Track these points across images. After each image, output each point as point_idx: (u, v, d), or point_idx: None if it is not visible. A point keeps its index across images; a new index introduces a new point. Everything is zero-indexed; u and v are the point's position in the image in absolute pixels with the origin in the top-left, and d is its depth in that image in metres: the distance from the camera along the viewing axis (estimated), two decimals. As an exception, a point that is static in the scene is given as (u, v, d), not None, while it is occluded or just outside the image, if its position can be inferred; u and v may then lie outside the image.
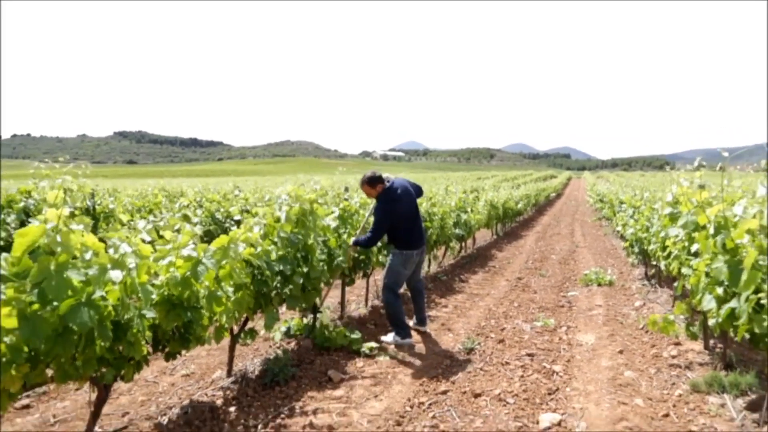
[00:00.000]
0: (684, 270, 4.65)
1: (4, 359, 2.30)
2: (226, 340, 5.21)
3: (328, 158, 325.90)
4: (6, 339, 2.31)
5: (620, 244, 12.91)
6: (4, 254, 2.37)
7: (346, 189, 6.32)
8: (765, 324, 2.79)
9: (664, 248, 5.85)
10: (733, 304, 3.20)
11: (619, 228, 11.66)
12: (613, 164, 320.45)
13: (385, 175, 5.50)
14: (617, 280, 9.00)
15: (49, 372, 2.68)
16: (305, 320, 5.55)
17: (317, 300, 5.17)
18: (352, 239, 5.54)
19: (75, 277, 2.50)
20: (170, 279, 3.15)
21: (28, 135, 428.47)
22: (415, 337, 5.65)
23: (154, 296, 3.09)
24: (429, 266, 9.63)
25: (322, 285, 5.11)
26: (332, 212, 5.85)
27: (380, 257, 6.68)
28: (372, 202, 5.76)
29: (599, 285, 8.68)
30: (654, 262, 7.28)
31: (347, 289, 6.55)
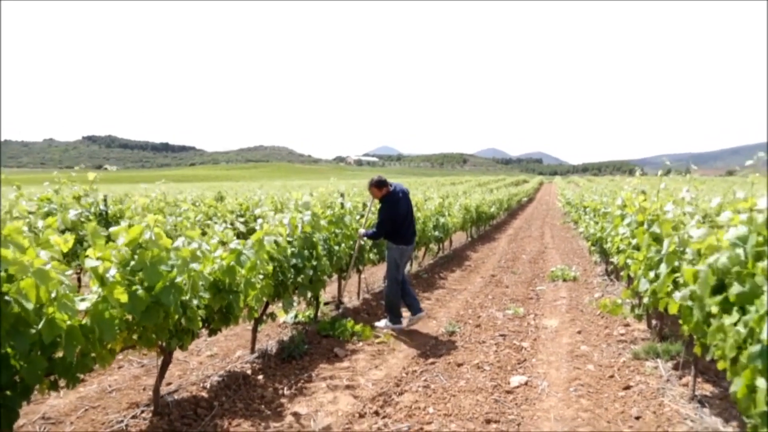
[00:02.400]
0: (629, 261, 5.60)
1: (115, 327, 3.07)
2: (240, 328, 6.02)
3: (302, 163, 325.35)
4: (114, 311, 3.09)
5: (585, 244, 13.95)
6: (116, 248, 3.16)
7: (342, 195, 7.15)
8: (668, 289, 3.72)
9: (615, 245, 6.82)
10: (658, 283, 4.14)
11: (582, 229, 12.70)
12: (584, 169, 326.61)
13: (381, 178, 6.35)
14: (581, 276, 9.99)
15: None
16: (309, 310, 6.38)
17: (322, 290, 5.98)
18: (361, 231, 6.46)
19: (163, 268, 3.32)
20: (219, 268, 3.96)
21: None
22: (406, 319, 6.51)
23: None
24: (411, 265, 10.50)
25: (325, 277, 5.94)
26: (327, 215, 6.67)
27: (371, 255, 7.54)
28: (368, 205, 6.97)
29: (564, 280, 9.66)
30: (611, 259, 8.28)
31: (342, 283, 7.37)
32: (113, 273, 3.09)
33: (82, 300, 2.95)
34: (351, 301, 7.63)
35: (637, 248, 5.46)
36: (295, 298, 5.40)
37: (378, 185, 6.23)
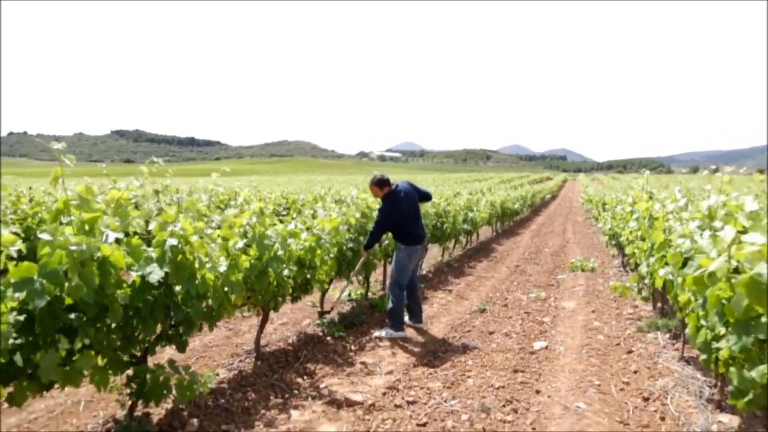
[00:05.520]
0: (636, 251, 6.56)
1: (240, 287, 4.16)
2: (301, 304, 7.11)
3: (326, 158, 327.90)
4: (239, 275, 4.19)
5: (604, 239, 14.82)
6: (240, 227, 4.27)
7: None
8: (654, 267, 4.70)
9: (626, 237, 7.77)
10: (654, 263, 5.12)
11: (601, 225, 13.58)
12: (609, 166, 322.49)
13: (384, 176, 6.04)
14: (598, 268, 10.91)
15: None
16: (360, 288, 7.47)
17: (372, 272, 7.05)
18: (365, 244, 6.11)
19: (266, 242, 4.41)
20: (302, 248, 5.05)
21: (25, 133, 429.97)
22: (442, 299, 7.56)
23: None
24: (443, 256, 11.54)
25: (375, 260, 7.01)
26: (376, 208, 7.74)
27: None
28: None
29: (583, 270, 10.60)
30: (626, 251, 9.21)
31: (387, 267, 8.43)
32: (240, 245, 4.19)
33: (220, 266, 4.06)
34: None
35: (643, 239, 6.42)
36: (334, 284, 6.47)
37: (378, 184, 5.92)
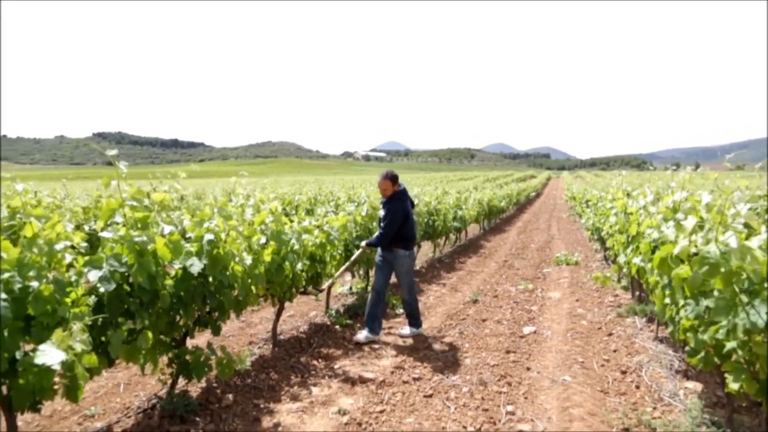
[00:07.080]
0: (615, 243, 7.14)
1: (263, 279, 4.65)
2: (306, 297, 7.60)
3: (310, 159, 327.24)
4: (262, 267, 4.67)
5: (587, 235, 15.46)
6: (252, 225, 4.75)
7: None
8: (630, 257, 5.27)
9: (606, 231, 8.37)
10: (628, 255, 5.69)
11: (584, 221, 14.22)
12: (592, 164, 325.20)
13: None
14: (582, 261, 11.52)
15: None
16: (361, 282, 7.97)
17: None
18: (364, 242, 5.93)
19: (284, 237, 4.90)
20: (314, 244, 5.55)
21: (5, 136, 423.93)
22: (436, 291, 8.10)
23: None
24: (434, 252, 12.09)
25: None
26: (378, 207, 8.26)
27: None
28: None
29: (568, 264, 11.20)
30: (607, 245, 9.81)
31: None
32: (263, 241, 4.67)
33: (246, 260, 4.53)
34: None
35: (620, 232, 7.00)
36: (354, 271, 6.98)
37: (394, 179, 5.79)
